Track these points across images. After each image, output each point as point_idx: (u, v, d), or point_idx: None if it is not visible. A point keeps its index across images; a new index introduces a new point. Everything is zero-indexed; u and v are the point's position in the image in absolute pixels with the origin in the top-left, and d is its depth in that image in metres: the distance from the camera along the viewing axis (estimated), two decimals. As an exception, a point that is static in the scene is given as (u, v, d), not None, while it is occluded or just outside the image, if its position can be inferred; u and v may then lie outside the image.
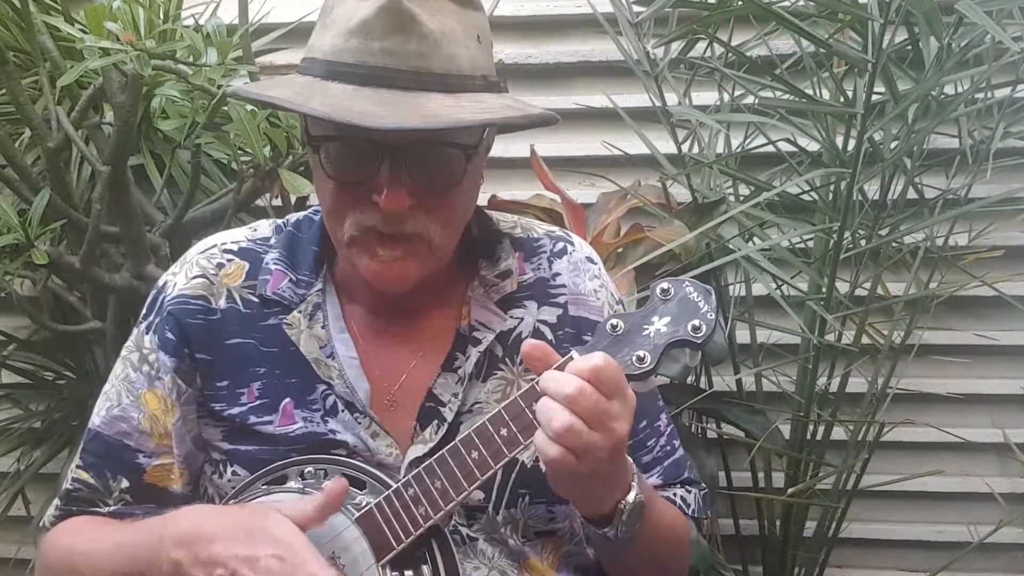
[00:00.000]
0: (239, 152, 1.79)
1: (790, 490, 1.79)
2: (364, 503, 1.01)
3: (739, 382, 1.95)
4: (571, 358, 0.97)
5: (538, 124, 1.05)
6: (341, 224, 1.03)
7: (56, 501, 1.15)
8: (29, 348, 2.14)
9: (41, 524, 1.16)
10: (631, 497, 1.00)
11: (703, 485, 1.26)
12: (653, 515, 1.07)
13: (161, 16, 1.81)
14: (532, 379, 1.02)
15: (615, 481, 0.99)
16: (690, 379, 1.89)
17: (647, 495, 1.05)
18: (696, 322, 0.98)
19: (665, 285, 1.00)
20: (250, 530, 0.93)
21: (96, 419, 1.13)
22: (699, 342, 0.98)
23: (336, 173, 1.01)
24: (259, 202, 1.89)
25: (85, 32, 1.60)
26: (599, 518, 1.02)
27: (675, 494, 1.21)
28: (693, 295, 1.00)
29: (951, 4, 1.45)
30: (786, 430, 1.93)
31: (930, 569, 2.03)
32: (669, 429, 1.23)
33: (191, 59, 1.58)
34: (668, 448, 1.22)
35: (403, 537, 0.99)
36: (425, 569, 1.01)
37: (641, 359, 0.98)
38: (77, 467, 1.13)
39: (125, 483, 1.11)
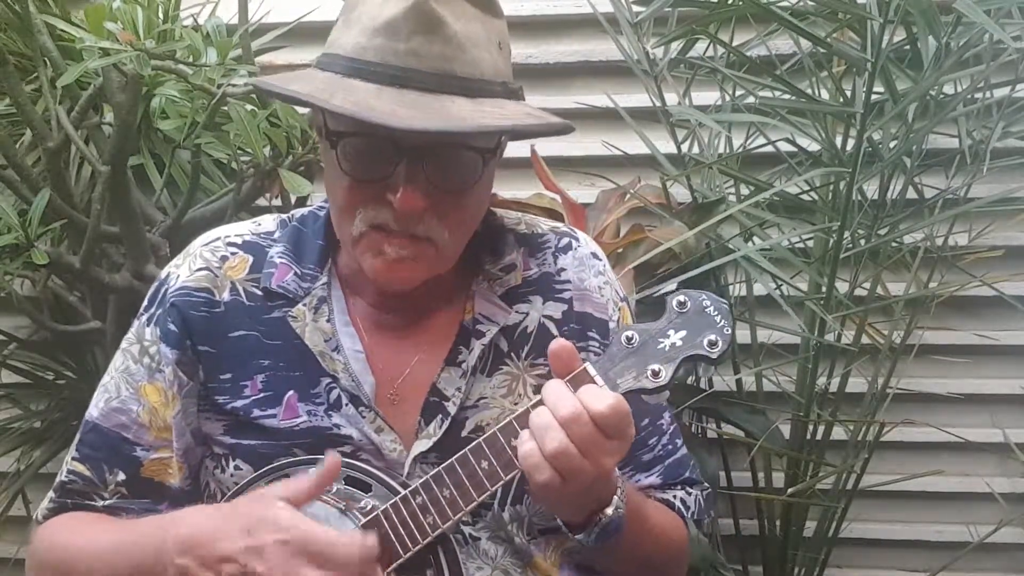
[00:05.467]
0: (239, 152, 1.79)
1: (790, 490, 1.78)
2: (370, 507, 1.01)
3: (739, 382, 1.94)
4: (585, 370, 0.97)
5: (556, 133, 1.05)
6: (351, 221, 1.02)
7: (50, 494, 1.14)
8: (29, 348, 2.14)
9: (35, 518, 1.15)
10: (609, 511, 1.01)
11: (706, 485, 1.25)
12: (641, 521, 1.08)
13: (160, 16, 1.81)
14: (539, 373, 1.02)
15: (595, 498, 1.00)
16: (690, 379, 1.89)
17: (634, 503, 1.06)
18: (712, 337, 0.97)
19: (682, 298, 0.99)
20: (250, 521, 0.93)
21: (94, 411, 1.12)
22: (715, 357, 0.97)
23: (352, 170, 1.00)
24: (259, 202, 1.89)
25: (85, 32, 1.60)
26: (574, 524, 1.03)
27: (674, 496, 1.21)
28: (710, 309, 0.98)
29: (949, 3, 1.44)
30: (786, 430, 1.93)
31: (930, 569, 2.03)
32: (672, 428, 1.22)
33: (191, 59, 1.58)
34: (670, 447, 1.21)
35: (410, 545, 0.98)
36: (429, 573, 1.01)
37: (656, 373, 0.97)
38: (73, 459, 1.12)
39: (122, 476, 1.10)
